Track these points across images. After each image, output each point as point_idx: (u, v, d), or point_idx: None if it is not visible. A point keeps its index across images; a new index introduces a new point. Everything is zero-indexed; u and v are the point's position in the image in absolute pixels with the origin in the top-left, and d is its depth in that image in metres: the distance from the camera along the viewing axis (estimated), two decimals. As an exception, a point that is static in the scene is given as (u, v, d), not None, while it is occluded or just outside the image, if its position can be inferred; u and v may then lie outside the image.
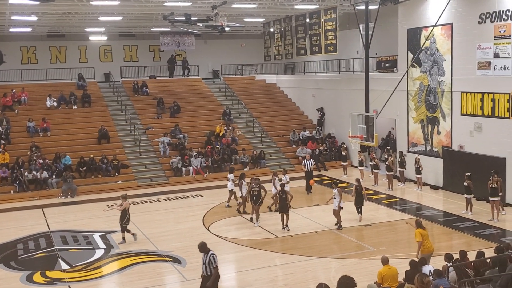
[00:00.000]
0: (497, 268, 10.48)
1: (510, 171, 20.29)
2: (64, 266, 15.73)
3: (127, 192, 20.46)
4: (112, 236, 18.29)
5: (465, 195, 19.64)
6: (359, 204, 19.32)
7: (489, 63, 21.02)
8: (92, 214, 21.81)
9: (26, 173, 25.28)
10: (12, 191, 24.88)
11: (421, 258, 11.60)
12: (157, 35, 37.37)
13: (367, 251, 16.09)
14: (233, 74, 39.31)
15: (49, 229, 19.81)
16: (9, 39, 35.51)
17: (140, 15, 29.43)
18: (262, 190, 19.15)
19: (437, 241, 17.49)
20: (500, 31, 20.43)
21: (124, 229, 17.53)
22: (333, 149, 30.55)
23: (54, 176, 25.64)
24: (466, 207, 19.65)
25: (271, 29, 34.25)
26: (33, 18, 28.39)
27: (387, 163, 24.53)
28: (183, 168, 27.59)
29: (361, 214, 19.26)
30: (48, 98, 31.67)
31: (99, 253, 16.80)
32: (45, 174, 25.52)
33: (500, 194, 18.77)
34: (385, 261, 11.58)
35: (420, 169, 23.54)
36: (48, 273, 15.20)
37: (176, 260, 15.81)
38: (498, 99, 20.73)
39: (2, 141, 27.53)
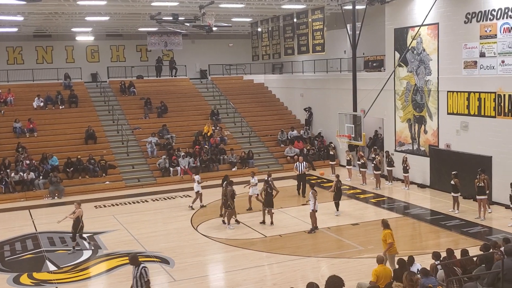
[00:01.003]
0: (484, 265, 10.56)
1: (496, 170, 20.45)
2: (52, 267, 15.63)
3: (115, 193, 20.35)
4: (100, 237, 18.19)
5: (452, 194, 19.79)
6: (337, 199, 20.06)
7: (475, 62, 21.18)
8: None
9: (12, 174, 25.07)
10: (-2, 193, 24.67)
11: (409, 257, 11.63)
12: (144, 35, 37.23)
13: (355, 250, 16.15)
14: (221, 74, 39.23)
15: (36, 230, 19.67)
16: (-6, 39, 35.26)
17: (127, 15, 29.32)
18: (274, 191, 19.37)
19: (425, 240, 17.67)
20: (486, 31, 20.59)
21: (79, 237, 16.89)
22: (322, 148, 30.61)
23: (41, 177, 25.46)
24: (453, 205, 19.78)
25: (259, 29, 34.26)
26: (19, 18, 28.15)
27: (374, 162, 24.67)
28: (171, 169, 27.51)
29: (338, 210, 20.01)
30: (36, 99, 31.40)
31: (87, 254, 16.68)
32: (32, 175, 25.33)
33: (487, 192, 18.93)
34: (380, 261, 11.62)
35: (408, 168, 23.69)
36: (35, 274, 15.08)
37: (164, 261, 15.76)
38: (484, 98, 20.90)
39: (-12, 142, 27.32)
